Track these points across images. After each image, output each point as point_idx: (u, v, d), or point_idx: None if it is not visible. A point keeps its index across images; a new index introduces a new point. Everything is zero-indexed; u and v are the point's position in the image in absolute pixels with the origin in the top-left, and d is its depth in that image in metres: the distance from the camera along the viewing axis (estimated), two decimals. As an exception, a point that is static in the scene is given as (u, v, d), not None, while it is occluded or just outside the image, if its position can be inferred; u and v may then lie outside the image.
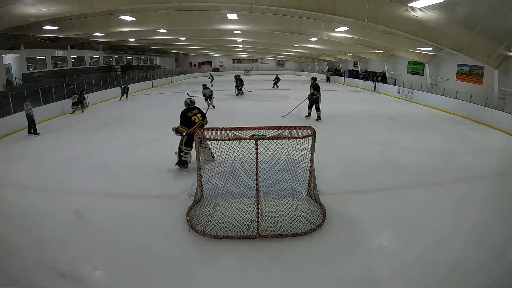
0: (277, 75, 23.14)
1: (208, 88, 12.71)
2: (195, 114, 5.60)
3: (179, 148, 5.73)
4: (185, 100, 5.90)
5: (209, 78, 24.53)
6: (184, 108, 5.77)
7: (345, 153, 7.09)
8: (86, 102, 13.68)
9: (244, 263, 3.41)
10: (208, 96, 12.24)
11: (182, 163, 5.78)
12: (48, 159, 6.85)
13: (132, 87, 20.38)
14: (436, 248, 3.60)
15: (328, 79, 27.48)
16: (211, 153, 5.64)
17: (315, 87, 10.36)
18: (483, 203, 4.77)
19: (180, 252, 3.58)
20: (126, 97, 17.01)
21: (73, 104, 12.61)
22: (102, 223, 4.18)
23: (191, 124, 5.51)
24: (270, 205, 4.16)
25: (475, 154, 7.27)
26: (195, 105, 5.86)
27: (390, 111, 12.97)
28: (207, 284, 3.11)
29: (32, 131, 8.70)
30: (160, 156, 6.58)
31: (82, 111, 12.86)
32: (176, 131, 5.62)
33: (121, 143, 8.17)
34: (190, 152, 5.73)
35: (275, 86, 21.51)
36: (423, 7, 8.04)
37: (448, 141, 8.36)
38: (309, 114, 10.82)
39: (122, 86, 17.59)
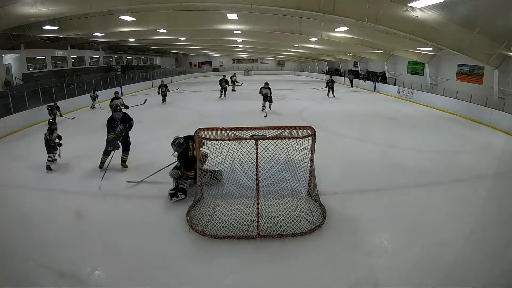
0: (331, 76, 19.33)
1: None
2: (191, 144, 4.78)
3: (179, 175, 4.87)
4: (176, 143, 4.84)
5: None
6: (178, 150, 4.88)
7: (345, 153, 7.09)
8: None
9: (244, 263, 3.40)
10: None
11: (181, 190, 4.81)
12: (48, 159, 6.83)
13: (132, 87, 20.28)
14: (437, 248, 3.60)
15: (352, 83, 23.03)
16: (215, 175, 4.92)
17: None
18: (483, 203, 4.77)
19: (180, 252, 3.58)
20: (164, 99, 14.52)
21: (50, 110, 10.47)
22: (102, 223, 4.17)
23: (194, 161, 4.65)
24: (270, 205, 4.16)
25: (475, 154, 7.27)
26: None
27: (390, 111, 12.98)
28: (207, 284, 3.10)
29: None
30: (159, 156, 6.56)
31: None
32: (182, 177, 4.85)
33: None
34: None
35: (332, 94, 16.55)
36: (423, 7, 8.03)
37: (448, 141, 8.36)
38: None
39: (160, 84, 15.03)
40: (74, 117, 11.29)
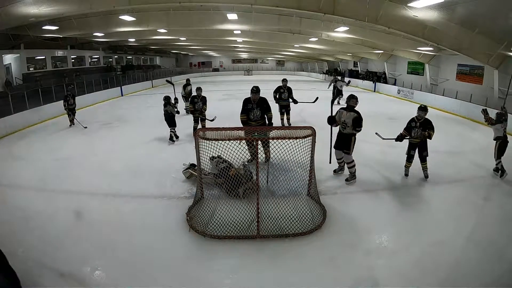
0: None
1: None
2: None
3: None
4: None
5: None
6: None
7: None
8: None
9: (244, 263, 3.40)
10: None
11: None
12: (48, 159, 6.84)
13: (132, 87, 20.29)
14: (436, 248, 3.60)
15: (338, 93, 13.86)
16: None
17: None
18: (483, 203, 4.77)
19: (180, 252, 3.58)
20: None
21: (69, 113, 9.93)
22: (102, 223, 4.17)
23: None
24: (270, 205, 4.16)
25: (475, 154, 7.26)
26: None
27: (390, 111, 12.96)
28: (207, 284, 3.10)
29: None
30: (159, 156, 6.59)
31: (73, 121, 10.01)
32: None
33: (121, 143, 8.17)
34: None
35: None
36: (423, 7, 8.04)
37: (448, 141, 8.34)
38: None
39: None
40: (86, 127, 9.76)
